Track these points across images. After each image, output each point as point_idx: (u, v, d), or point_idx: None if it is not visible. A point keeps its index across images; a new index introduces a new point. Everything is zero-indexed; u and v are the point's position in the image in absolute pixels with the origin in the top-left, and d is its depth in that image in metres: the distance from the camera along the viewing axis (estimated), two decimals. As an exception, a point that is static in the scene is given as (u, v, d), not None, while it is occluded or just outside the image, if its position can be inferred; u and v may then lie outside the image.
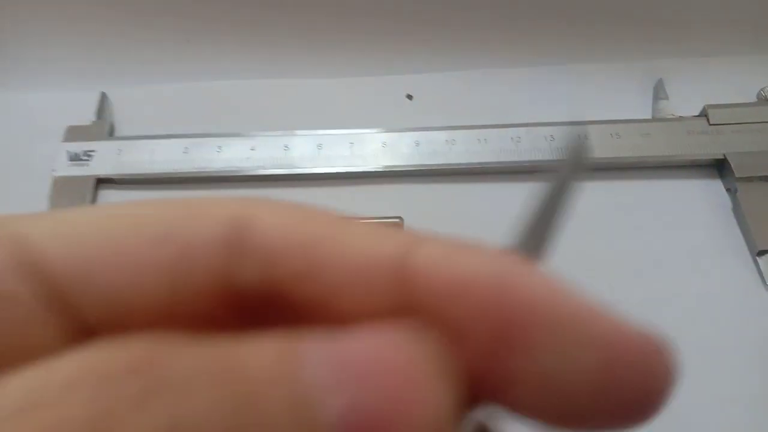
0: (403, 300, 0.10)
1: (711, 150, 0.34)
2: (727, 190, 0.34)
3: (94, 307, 0.10)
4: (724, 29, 0.39)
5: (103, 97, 0.38)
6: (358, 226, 0.10)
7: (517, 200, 0.36)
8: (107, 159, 0.35)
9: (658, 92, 0.37)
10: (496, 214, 0.33)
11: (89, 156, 0.36)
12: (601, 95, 0.37)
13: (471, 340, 0.09)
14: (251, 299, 0.10)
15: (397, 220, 0.33)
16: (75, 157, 0.36)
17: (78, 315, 0.10)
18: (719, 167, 0.35)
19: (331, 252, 0.10)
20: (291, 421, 0.08)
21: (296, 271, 0.10)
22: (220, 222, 0.10)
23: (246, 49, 0.38)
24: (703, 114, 0.35)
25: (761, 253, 0.32)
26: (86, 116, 0.37)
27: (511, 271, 0.09)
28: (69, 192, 0.34)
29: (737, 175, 0.33)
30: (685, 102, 0.36)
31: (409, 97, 0.37)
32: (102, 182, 0.35)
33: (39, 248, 0.10)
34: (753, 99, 0.37)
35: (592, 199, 0.34)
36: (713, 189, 0.34)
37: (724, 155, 0.34)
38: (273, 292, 0.10)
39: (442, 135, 0.35)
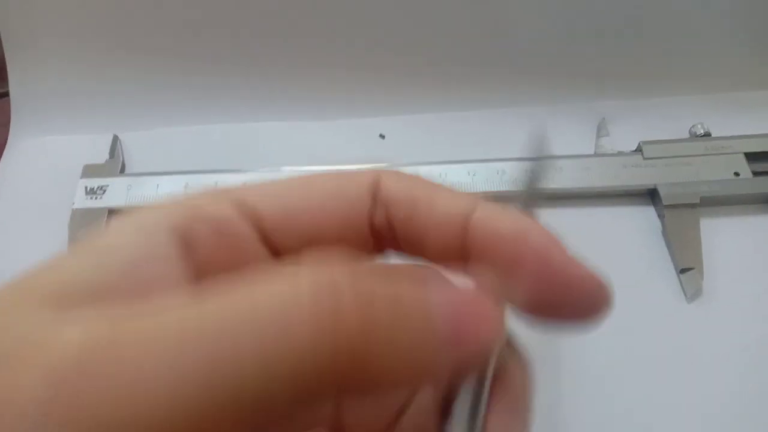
0: (464, 240, 0.16)
1: (644, 181, 0.39)
2: (658, 215, 0.39)
3: (287, 239, 0.16)
4: (661, 74, 0.44)
5: (115, 139, 0.43)
6: (444, 189, 0.17)
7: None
8: (118, 193, 0.41)
9: (600, 130, 0.42)
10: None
11: (103, 190, 0.41)
12: (550, 133, 0.42)
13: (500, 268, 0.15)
14: (382, 233, 0.16)
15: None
16: (91, 192, 0.41)
17: (274, 244, 0.16)
18: (651, 196, 0.39)
19: (425, 204, 0.16)
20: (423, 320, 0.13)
21: (403, 215, 0.16)
22: (364, 183, 0.16)
23: (240, 96, 0.44)
24: (639, 149, 0.40)
25: (683, 270, 0.36)
26: (101, 156, 0.42)
27: (529, 227, 0.16)
28: (85, 221, 0.40)
29: (665, 202, 0.38)
30: (623, 139, 0.41)
31: (382, 136, 0.43)
32: (113, 213, 0.40)
33: (253, 203, 0.16)
34: (686, 135, 0.42)
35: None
36: (646, 215, 0.39)
37: (655, 185, 0.39)
38: (392, 230, 0.16)
39: (409, 170, 0.40)
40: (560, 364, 0.34)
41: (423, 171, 0.39)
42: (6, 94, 0.46)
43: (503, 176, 0.39)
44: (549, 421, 0.32)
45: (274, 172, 0.41)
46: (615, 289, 0.37)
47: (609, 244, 0.38)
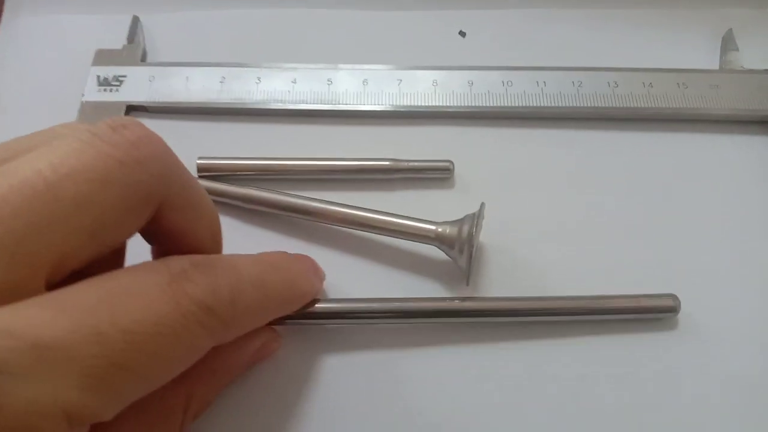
0: None
1: (783, 106, 0.32)
2: (799, 148, 0.32)
3: None
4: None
5: (135, 21, 0.35)
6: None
7: (574, 147, 0.33)
8: (139, 85, 0.33)
9: (728, 43, 0.35)
10: (553, 161, 0.31)
11: (119, 81, 0.33)
12: (665, 42, 0.35)
13: None
14: None
15: (447, 163, 0.31)
16: (105, 82, 0.33)
17: None
18: (791, 125, 0.33)
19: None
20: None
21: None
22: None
23: (289, -25, 0.36)
24: (776, 68, 0.33)
25: (834, 214, 0.30)
26: (117, 41, 0.35)
27: None
28: (98, 118, 0.32)
29: (811, 133, 0.31)
30: (755, 55, 0.34)
31: (462, 33, 0.35)
32: (133, 109, 0.33)
33: None
34: (828, 55, 0.34)
35: (657, 149, 0.32)
36: (783, 148, 0.32)
37: (797, 112, 0.32)
38: None
39: (498, 75, 0.33)
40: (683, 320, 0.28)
41: (515, 77, 0.32)
42: (0, -40, 0.37)
43: (615, 90, 0.32)
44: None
45: (327, 69, 0.33)
46: (744, 234, 0.30)
47: (737, 177, 0.31)
